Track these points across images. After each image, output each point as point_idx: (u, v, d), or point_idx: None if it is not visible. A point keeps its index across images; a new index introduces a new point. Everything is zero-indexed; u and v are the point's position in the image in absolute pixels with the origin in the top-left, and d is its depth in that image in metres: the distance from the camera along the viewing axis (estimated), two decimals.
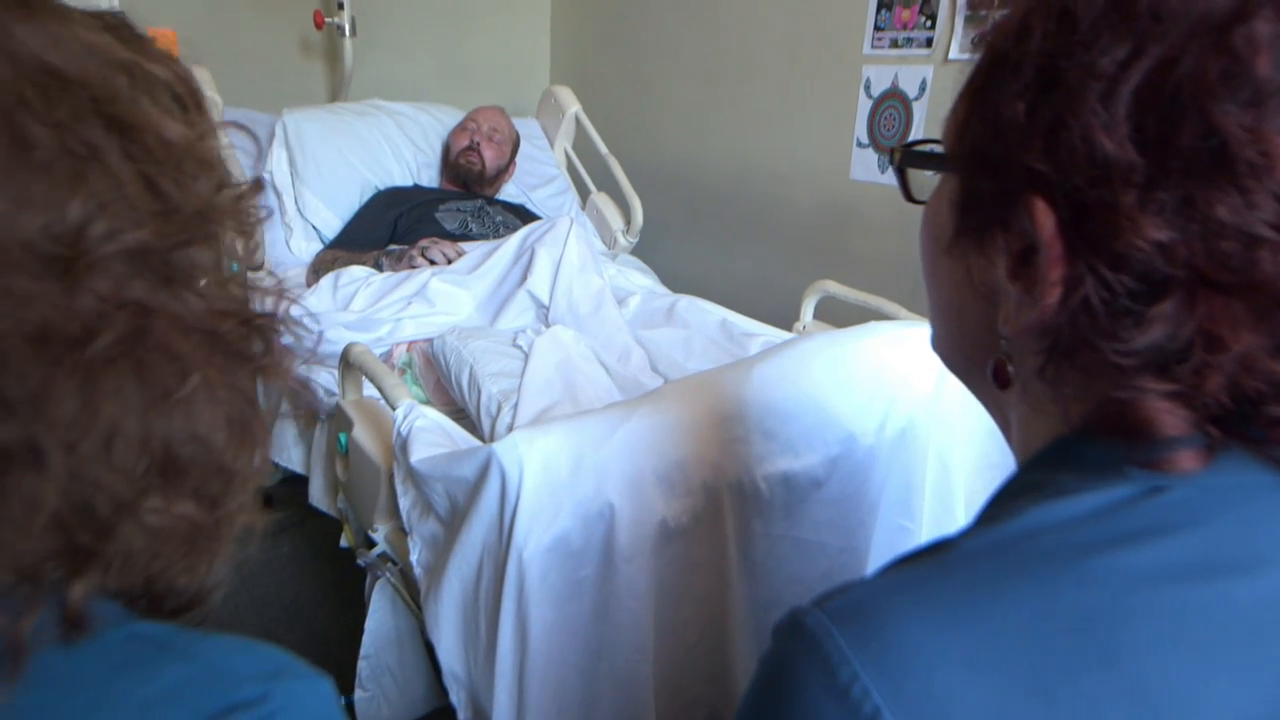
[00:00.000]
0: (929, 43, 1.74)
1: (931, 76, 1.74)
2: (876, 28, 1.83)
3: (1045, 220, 0.36)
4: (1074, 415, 0.38)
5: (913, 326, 1.08)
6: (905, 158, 0.49)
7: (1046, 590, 0.33)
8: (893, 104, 1.83)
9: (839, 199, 1.98)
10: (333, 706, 0.36)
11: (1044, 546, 0.35)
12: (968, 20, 1.65)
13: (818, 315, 1.68)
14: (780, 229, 2.16)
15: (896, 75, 1.81)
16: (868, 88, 1.87)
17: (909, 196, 0.50)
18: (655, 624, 0.87)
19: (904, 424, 0.99)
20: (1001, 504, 0.41)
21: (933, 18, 1.72)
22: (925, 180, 0.48)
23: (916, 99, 1.78)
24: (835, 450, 0.95)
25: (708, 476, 0.87)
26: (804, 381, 0.96)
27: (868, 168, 1.90)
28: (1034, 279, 0.37)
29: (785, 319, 1.68)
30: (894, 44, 1.80)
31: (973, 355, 0.45)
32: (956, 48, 1.68)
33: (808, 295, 1.67)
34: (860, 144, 1.91)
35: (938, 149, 0.45)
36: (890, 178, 1.85)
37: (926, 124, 1.76)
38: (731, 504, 0.90)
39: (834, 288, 1.62)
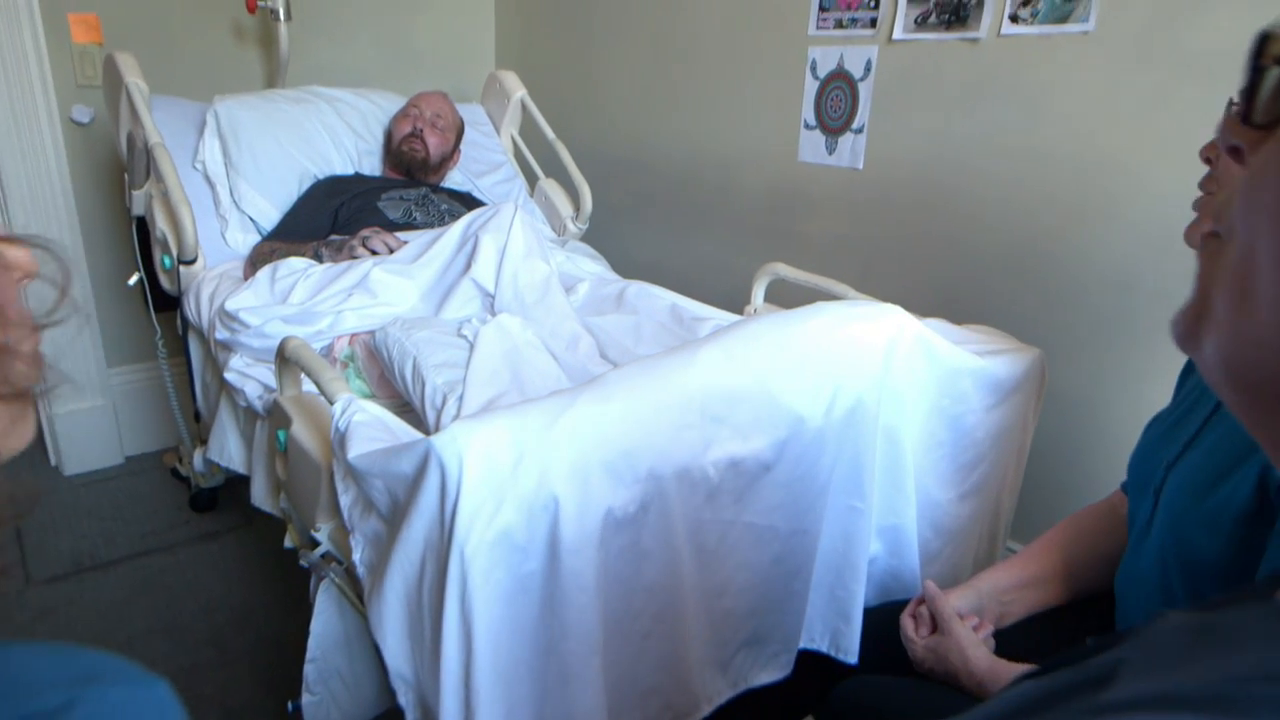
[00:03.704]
0: (873, 23, 1.73)
1: (876, 57, 1.74)
2: (821, 8, 1.82)
3: None
4: None
5: (858, 305, 1.08)
6: None
7: None
8: (839, 85, 1.82)
9: (788, 181, 1.98)
10: (164, 713, 0.31)
11: None
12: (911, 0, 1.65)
13: (769, 298, 1.68)
14: (730, 212, 2.15)
15: (842, 56, 1.80)
16: (814, 69, 1.87)
17: (1248, 116, 0.32)
18: (605, 616, 0.85)
19: (852, 404, 0.99)
20: None
21: None
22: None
23: (862, 79, 1.77)
24: (783, 433, 0.94)
25: (654, 463, 0.86)
26: (750, 364, 0.94)
27: (815, 149, 1.90)
28: None
29: (736, 302, 1.67)
30: (839, 24, 1.80)
31: None
32: (900, 28, 1.68)
33: (758, 278, 1.66)
34: (808, 125, 1.90)
35: None
36: (839, 159, 1.85)
37: (874, 105, 1.76)
38: (679, 491, 0.88)
39: (784, 270, 1.61)
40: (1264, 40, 0.31)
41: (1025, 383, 1.21)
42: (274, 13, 2.14)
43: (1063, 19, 1.45)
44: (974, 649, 0.92)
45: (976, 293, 1.66)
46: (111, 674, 0.30)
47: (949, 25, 1.61)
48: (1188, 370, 0.94)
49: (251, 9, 2.13)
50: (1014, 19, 1.51)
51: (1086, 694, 0.27)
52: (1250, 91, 0.32)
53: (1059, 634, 0.98)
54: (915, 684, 0.95)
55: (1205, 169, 0.83)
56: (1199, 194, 0.84)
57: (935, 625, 0.95)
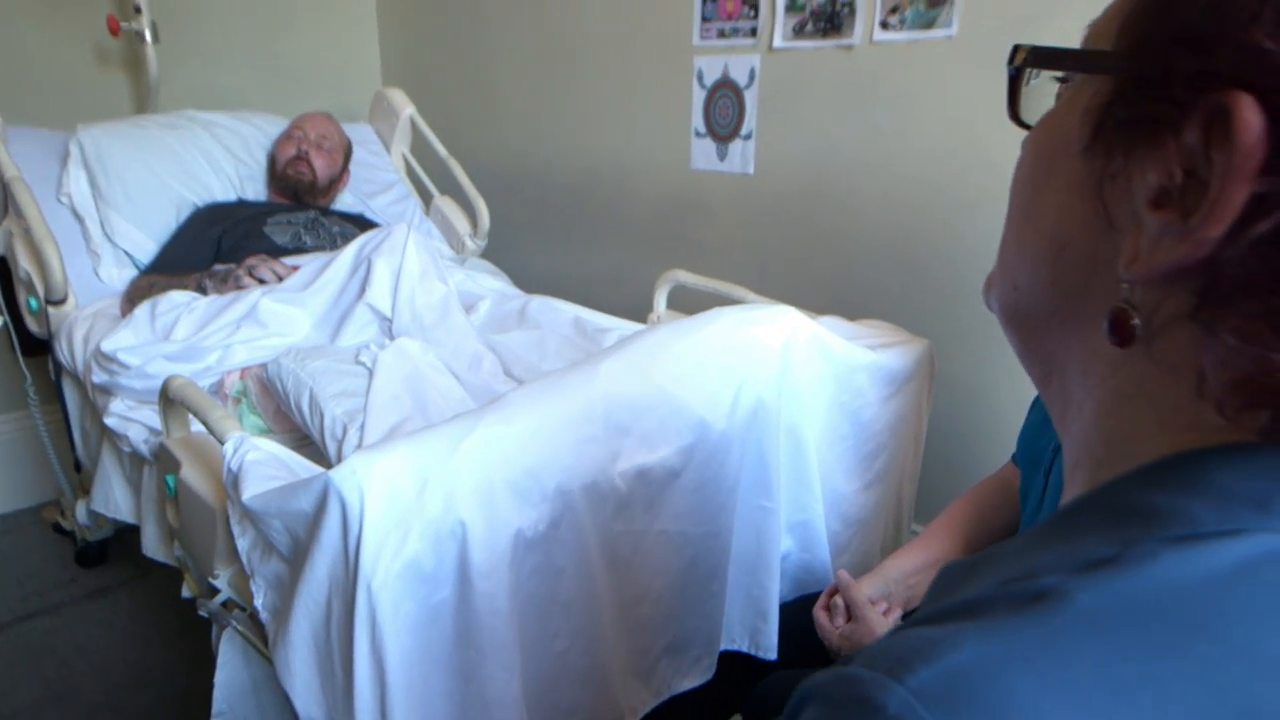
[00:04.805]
0: (753, 32, 1.78)
1: (759, 65, 1.79)
2: (704, 18, 1.86)
3: (1251, 122, 0.27)
4: (1213, 386, 0.30)
5: (754, 309, 1.10)
6: (1038, 56, 0.38)
7: (1213, 676, 0.26)
8: (726, 93, 1.86)
9: (682, 189, 2.01)
10: None
11: (1196, 612, 0.27)
12: (788, 9, 1.71)
13: (671, 305, 1.70)
14: (628, 222, 2.17)
15: (727, 65, 1.84)
16: (700, 78, 1.90)
17: (1016, 115, 0.40)
18: (521, 638, 0.84)
19: (753, 405, 1.01)
20: (1092, 526, 0.32)
21: (755, 7, 1.76)
22: (1036, 103, 0.40)
23: (747, 87, 1.82)
24: (689, 438, 0.95)
25: (562, 480, 0.85)
26: (652, 373, 0.95)
27: (707, 156, 1.93)
28: (1192, 205, 0.29)
29: (639, 311, 1.69)
30: (721, 34, 1.84)
31: (1064, 306, 0.36)
32: (780, 36, 1.73)
33: (659, 286, 1.68)
34: (698, 133, 1.94)
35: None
36: (730, 165, 1.89)
37: (759, 111, 1.81)
38: (589, 505, 0.88)
39: (684, 277, 1.63)
40: (1014, 51, 0.38)
41: (917, 373, 1.26)
42: (140, 35, 2.04)
43: (928, 25, 1.53)
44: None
45: (867, 288, 1.72)
46: None
47: (825, 33, 1.67)
48: None
49: (115, 31, 2.02)
50: (884, 25, 1.58)
51: (899, 629, 0.32)
52: (1011, 94, 0.40)
53: None
54: None
55: None
56: None
57: (850, 614, 0.98)
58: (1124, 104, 0.32)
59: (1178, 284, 0.30)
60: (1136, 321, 0.32)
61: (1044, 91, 0.40)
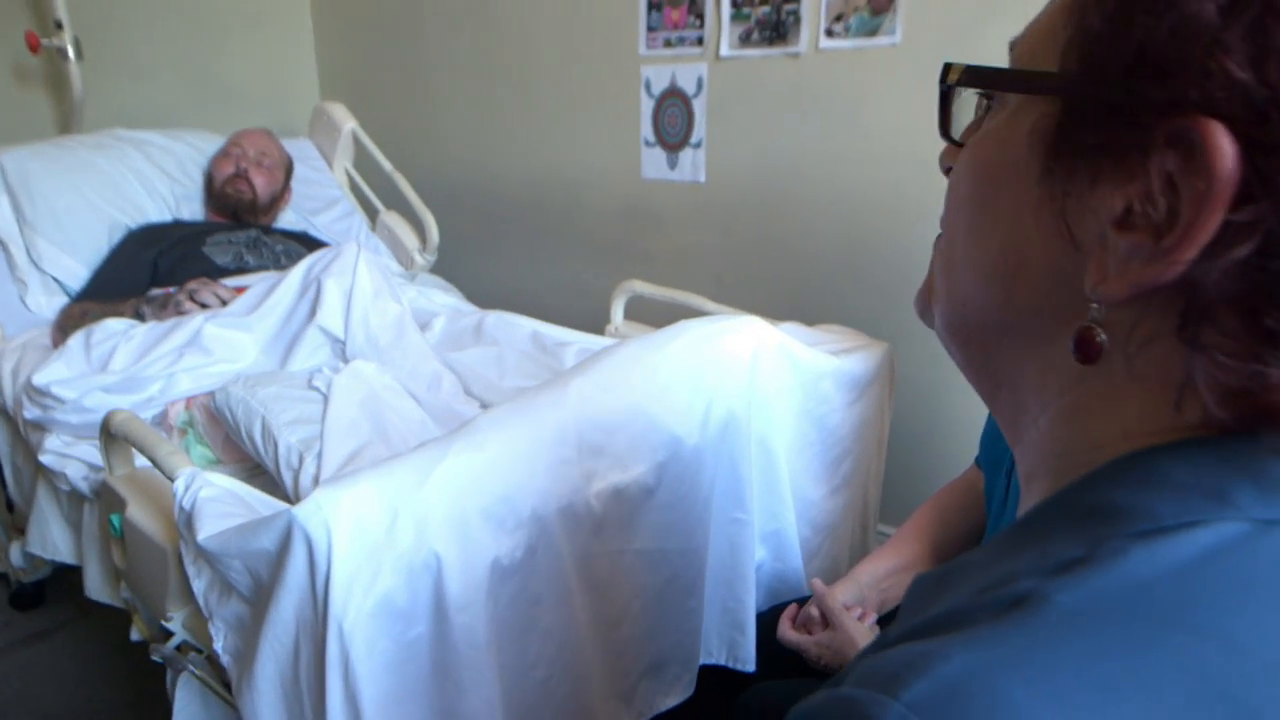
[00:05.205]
0: (700, 41, 1.79)
1: (707, 73, 1.79)
2: (649, 28, 1.86)
3: (1225, 150, 0.27)
4: (1206, 400, 0.30)
5: (720, 321, 1.10)
6: (972, 76, 0.37)
7: (1191, 665, 0.27)
8: (674, 102, 1.86)
9: (633, 198, 2.00)
10: None
11: (1168, 604, 0.28)
12: (733, 18, 1.71)
13: (628, 315, 1.69)
14: (581, 233, 2.15)
15: (674, 74, 1.84)
16: (648, 87, 1.90)
17: (946, 133, 0.41)
18: (501, 670, 0.82)
19: (725, 418, 1.00)
20: (1059, 530, 0.33)
21: (701, 16, 1.77)
22: (966, 118, 0.40)
23: (695, 96, 1.82)
24: (662, 455, 0.94)
25: (536, 505, 0.83)
26: (623, 391, 0.94)
27: (657, 165, 1.93)
28: (1164, 227, 0.29)
29: (596, 323, 1.67)
30: (667, 43, 1.84)
31: (1019, 323, 0.36)
32: (726, 45, 1.74)
33: (616, 296, 1.67)
34: (648, 143, 1.93)
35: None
36: (681, 173, 1.89)
37: (709, 120, 1.82)
38: (565, 529, 0.86)
39: (640, 287, 1.63)
40: (946, 69, 0.39)
41: (879, 376, 1.27)
42: (62, 51, 1.95)
43: (872, 33, 1.55)
44: (862, 639, 0.95)
45: (823, 293, 1.74)
46: None
47: (771, 41, 1.68)
48: None
49: (34, 48, 1.92)
50: (829, 33, 1.60)
51: (874, 648, 0.33)
52: (942, 111, 0.40)
53: None
54: (816, 684, 0.97)
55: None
56: None
57: (826, 621, 0.98)
58: (1081, 128, 0.32)
59: (1155, 303, 0.31)
60: (1103, 339, 0.32)
61: (972, 105, 0.40)
